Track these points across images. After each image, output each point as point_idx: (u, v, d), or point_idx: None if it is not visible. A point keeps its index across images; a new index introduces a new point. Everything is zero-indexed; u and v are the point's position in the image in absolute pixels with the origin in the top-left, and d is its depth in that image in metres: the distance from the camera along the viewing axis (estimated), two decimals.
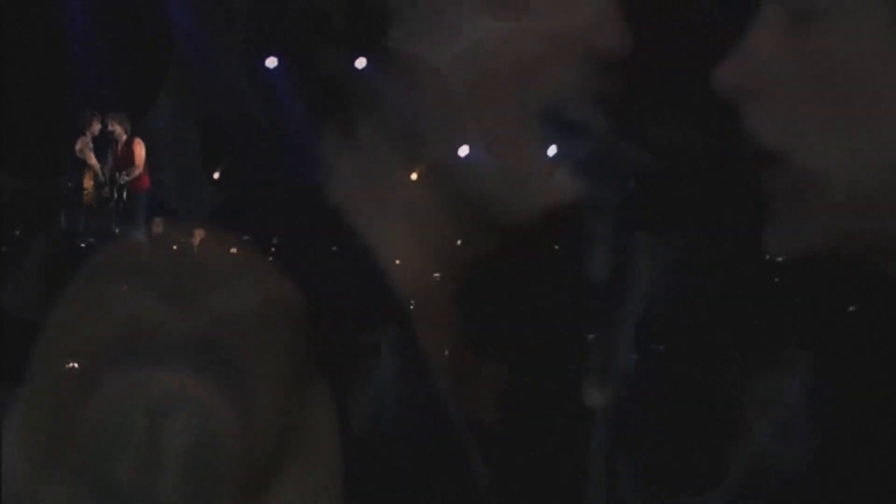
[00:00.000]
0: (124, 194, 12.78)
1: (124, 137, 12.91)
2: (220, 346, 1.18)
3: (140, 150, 12.87)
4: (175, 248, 1.40)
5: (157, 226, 13.13)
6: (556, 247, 2.26)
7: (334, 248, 1.93)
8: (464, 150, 1.88)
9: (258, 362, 1.20)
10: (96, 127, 12.85)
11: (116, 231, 12.59)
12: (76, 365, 1.20)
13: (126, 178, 12.74)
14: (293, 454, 1.23)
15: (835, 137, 1.47)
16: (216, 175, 14.45)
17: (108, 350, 1.17)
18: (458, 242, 1.83)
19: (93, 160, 12.76)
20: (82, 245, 12.05)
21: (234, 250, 1.36)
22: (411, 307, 1.71)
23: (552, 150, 1.75)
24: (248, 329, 1.22)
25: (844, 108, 1.46)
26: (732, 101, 1.57)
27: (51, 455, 1.16)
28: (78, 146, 12.79)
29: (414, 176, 1.82)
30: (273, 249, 1.87)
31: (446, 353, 1.80)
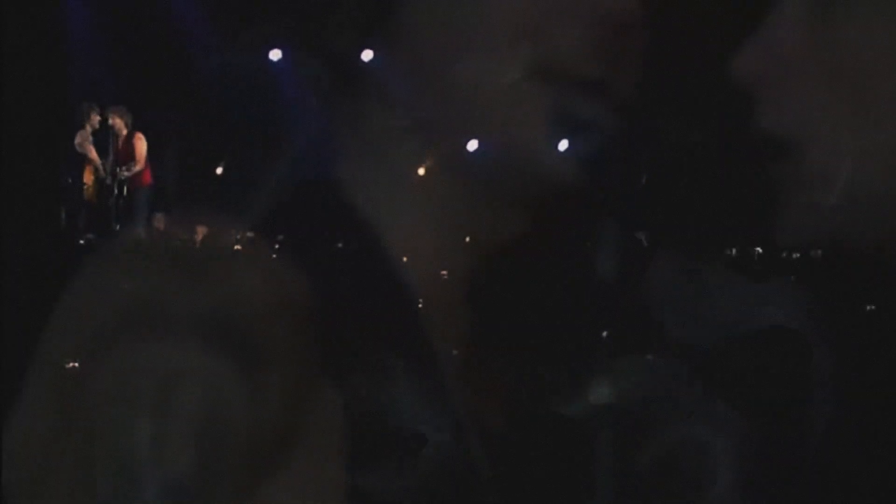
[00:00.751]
0: (125, 190, 12.73)
1: (125, 132, 12.86)
2: (228, 325, 1.19)
3: (141, 145, 12.82)
4: (186, 237, 1.40)
5: (159, 221, 13.11)
6: (565, 244, 2.26)
7: (339, 245, 1.93)
8: (473, 145, 1.88)
9: (266, 343, 1.21)
10: (95, 120, 12.80)
11: (117, 227, 12.56)
12: (76, 365, 1.22)
13: (126, 174, 12.70)
14: (300, 447, 1.24)
15: (848, 128, 1.47)
16: (219, 170, 14.46)
17: (121, 324, 1.18)
18: (467, 239, 1.82)
19: (93, 154, 12.72)
20: (82, 242, 12.03)
21: (240, 244, 1.37)
22: (420, 305, 1.71)
23: (563, 145, 1.74)
24: (255, 312, 1.23)
25: (859, 100, 1.46)
26: (748, 88, 1.58)
27: (61, 428, 1.17)
28: (77, 140, 12.74)
29: (421, 171, 1.82)
30: (278, 245, 1.88)
31: (454, 352, 1.80)
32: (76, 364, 1.17)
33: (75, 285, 1.22)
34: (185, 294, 1.20)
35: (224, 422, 1.16)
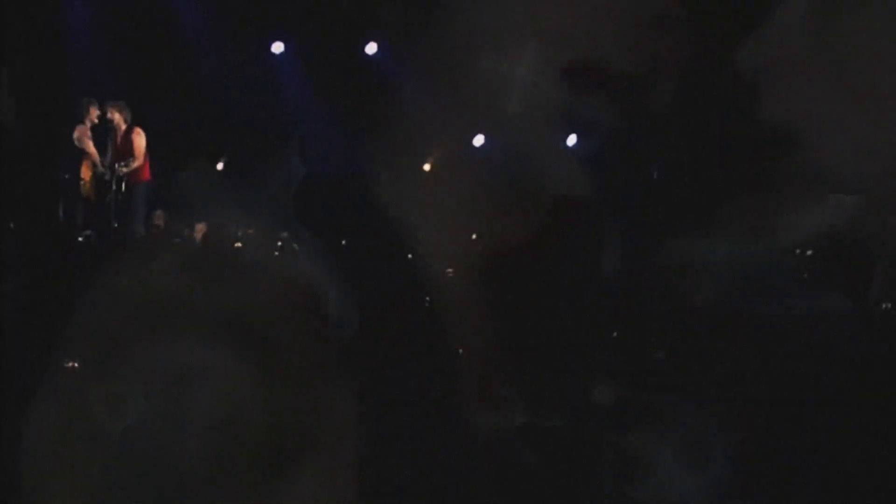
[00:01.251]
0: (123, 186, 12.68)
1: (123, 127, 12.83)
2: (245, 325, 1.21)
3: (140, 140, 12.77)
4: (186, 234, 1.41)
5: (159, 218, 13.07)
6: (574, 240, 2.27)
7: (344, 242, 1.93)
8: (479, 140, 1.87)
9: (281, 343, 1.23)
10: (94, 114, 12.75)
11: (115, 224, 12.52)
12: (76, 364, 1.23)
13: (125, 170, 12.66)
14: (315, 449, 1.25)
15: (849, 122, 1.49)
16: (220, 166, 14.44)
17: (141, 319, 1.20)
18: (473, 237, 1.83)
19: (91, 148, 12.67)
20: (80, 239, 11.99)
21: (241, 241, 1.37)
22: (426, 303, 1.71)
23: (572, 140, 1.74)
24: (271, 313, 1.24)
25: (861, 94, 1.48)
26: (751, 81, 1.59)
27: (78, 419, 1.19)
28: (76, 134, 12.70)
29: (427, 167, 1.82)
30: (280, 243, 1.88)
31: (461, 351, 1.80)
32: (77, 364, 1.18)
33: (113, 266, 1.24)
34: (211, 279, 1.21)
35: (246, 399, 1.17)
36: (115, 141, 12.79)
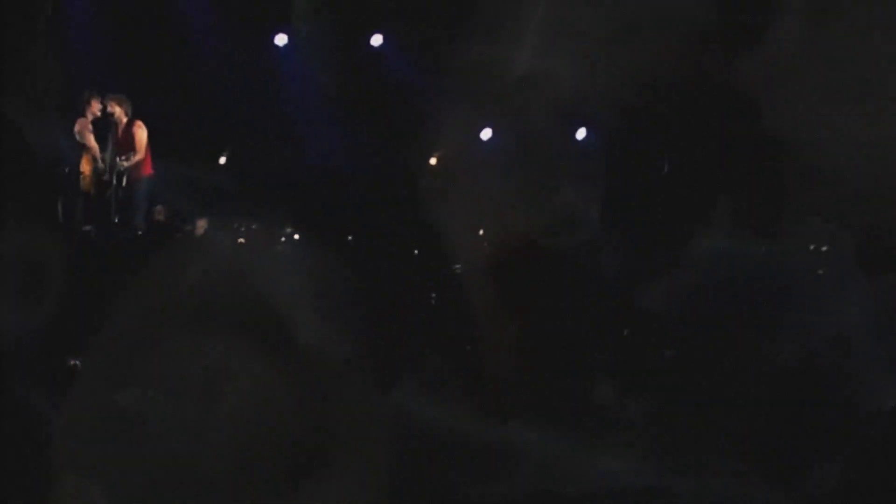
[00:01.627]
0: (124, 180, 12.64)
1: (124, 120, 12.79)
2: (276, 325, 1.21)
3: (141, 134, 12.72)
4: (187, 229, 1.41)
5: (160, 214, 13.06)
6: (579, 238, 2.27)
7: (349, 238, 1.93)
8: (486, 134, 1.87)
9: (285, 339, 1.23)
10: (96, 107, 12.71)
11: (116, 219, 12.49)
12: (77, 363, 1.24)
13: (126, 164, 12.61)
14: (346, 450, 1.26)
15: (849, 129, 1.50)
16: (222, 160, 14.44)
17: (174, 315, 1.21)
18: (480, 233, 1.83)
19: (92, 142, 12.63)
20: (80, 235, 11.98)
21: (244, 236, 1.37)
22: (432, 299, 1.72)
23: (581, 134, 1.74)
24: (273, 309, 1.25)
25: (860, 101, 1.49)
26: (751, 92, 1.59)
27: (108, 412, 1.19)
28: (77, 128, 12.67)
29: (433, 161, 1.82)
30: (284, 238, 1.88)
31: (467, 348, 1.81)
32: (77, 363, 1.18)
33: (151, 262, 1.24)
34: (241, 279, 1.21)
35: (273, 400, 1.18)
36: (116, 135, 12.75)
